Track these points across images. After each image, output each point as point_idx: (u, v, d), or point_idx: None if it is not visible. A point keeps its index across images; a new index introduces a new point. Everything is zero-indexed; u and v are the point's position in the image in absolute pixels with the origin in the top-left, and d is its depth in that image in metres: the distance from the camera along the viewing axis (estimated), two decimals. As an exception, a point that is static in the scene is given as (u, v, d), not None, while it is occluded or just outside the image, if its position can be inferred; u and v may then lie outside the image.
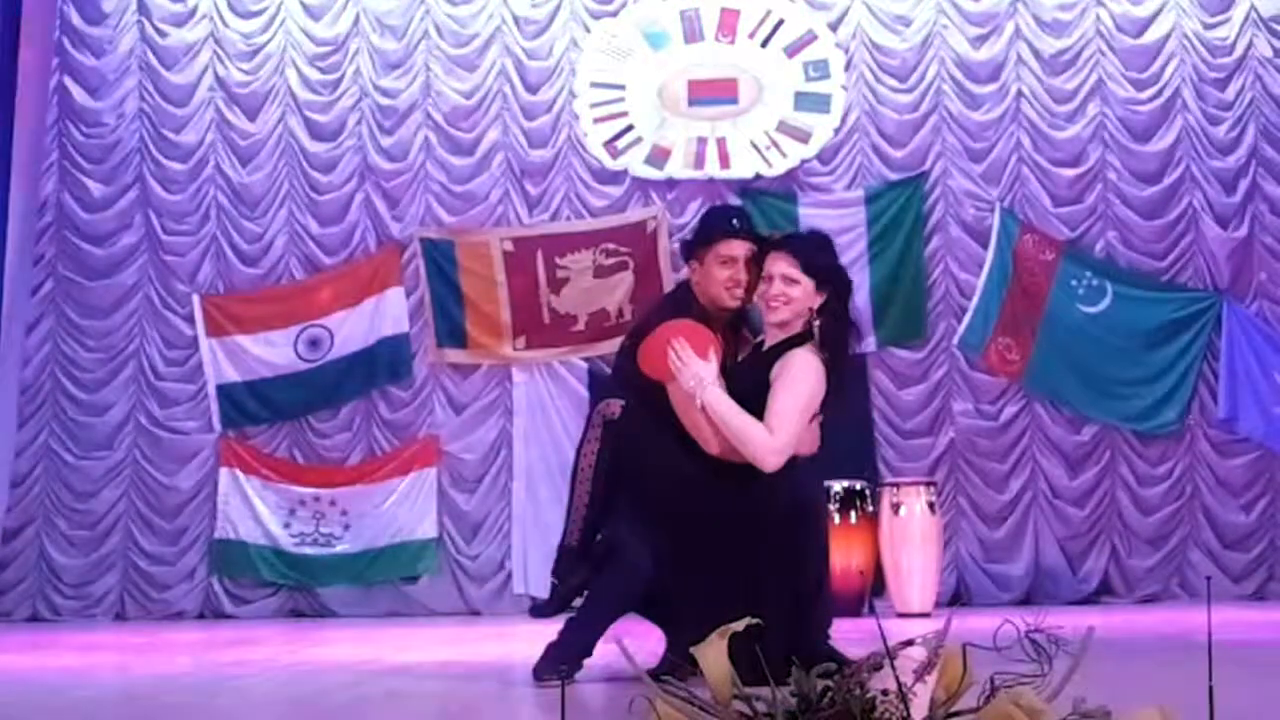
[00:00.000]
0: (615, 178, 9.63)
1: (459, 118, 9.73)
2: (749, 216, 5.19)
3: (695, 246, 4.81)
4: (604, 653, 4.55)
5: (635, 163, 9.58)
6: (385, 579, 9.45)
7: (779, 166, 9.52)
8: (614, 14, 9.73)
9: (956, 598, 9.07)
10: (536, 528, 9.27)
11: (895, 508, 8.58)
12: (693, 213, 9.23)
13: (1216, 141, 9.50)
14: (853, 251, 9.16)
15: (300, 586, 9.47)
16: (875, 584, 8.51)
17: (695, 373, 4.40)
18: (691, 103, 9.59)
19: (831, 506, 8.31)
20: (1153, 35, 9.58)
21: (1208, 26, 9.57)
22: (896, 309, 9.43)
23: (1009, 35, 9.63)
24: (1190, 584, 9.26)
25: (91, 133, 9.74)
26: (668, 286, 8.94)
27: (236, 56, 9.80)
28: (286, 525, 9.47)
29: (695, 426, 4.45)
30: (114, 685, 5.14)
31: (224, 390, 9.53)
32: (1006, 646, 2.14)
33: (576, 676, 4.54)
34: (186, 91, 9.77)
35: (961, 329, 9.37)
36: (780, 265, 4.54)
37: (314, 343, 9.56)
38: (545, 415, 9.46)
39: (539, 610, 4.92)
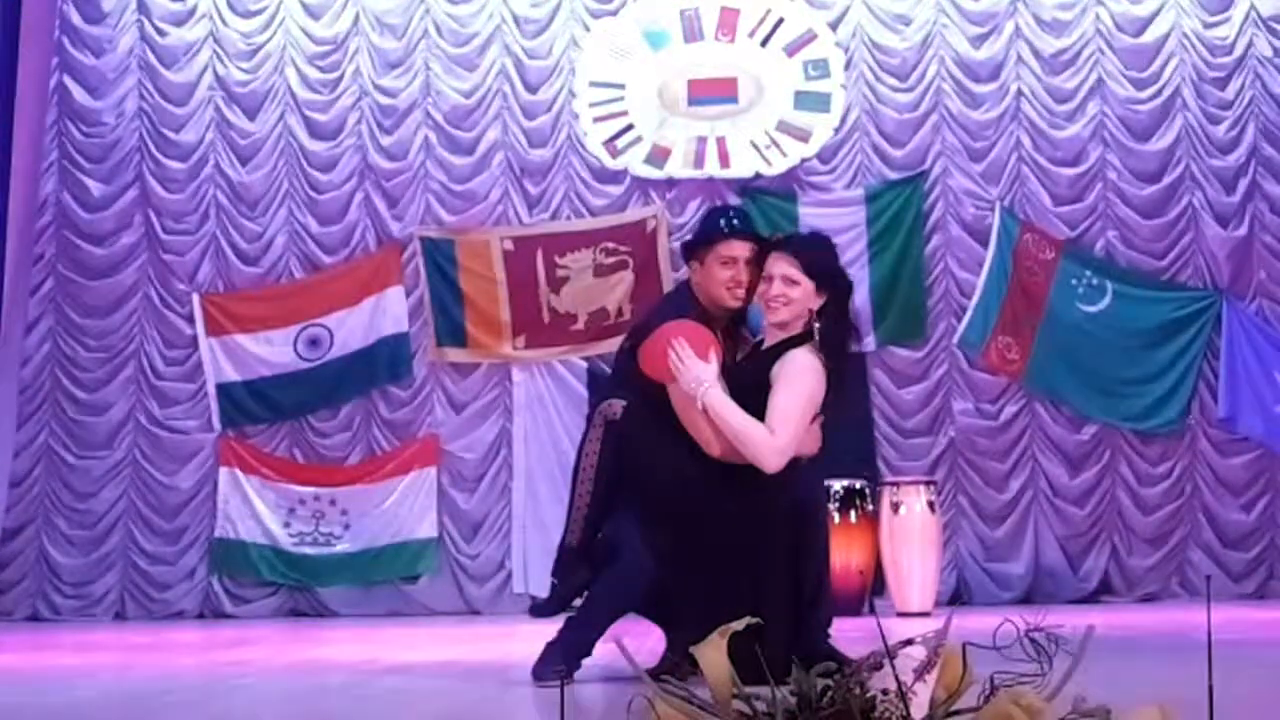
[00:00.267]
0: (615, 177, 9.63)
1: (459, 117, 9.73)
2: (749, 217, 5.18)
3: (696, 247, 4.81)
4: (604, 652, 4.55)
5: (635, 162, 9.58)
6: (385, 578, 9.45)
7: (779, 166, 9.52)
8: (614, 13, 9.73)
9: (956, 597, 9.07)
10: (536, 527, 9.27)
11: (895, 507, 8.58)
12: (692, 212, 9.24)
13: (1216, 141, 9.50)
14: (853, 251, 9.16)
15: (300, 586, 9.47)
16: (875, 583, 8.50)
17: (696, 374, 4.39)
18: (691, 102, 9.59)
19: (831, 506, 8.30)
20: (1152, 34, 9.59)
21: (1207, 26, 9.57)
22: (896, 308, 9.43)
23: (1009, 34, 9.63)
24: (1190, 583, 9.26)
25: (91, 132, 9.74)
26: (668, 286, 8.95)
27: (236, 56, 9.80)
28: (286, 525, 9.47)
29: (696, 427, 4.45)
30: (114, 685, 5.14)
31: (224, 389, 9.53)
32: (1006, 646, 2.14)
33: (576, 676, 4.53)
34: (186, 91, 9.77)
35: (961, 328, 9.37)
36: (781, 266, 4.54)
37: (314, 342, 9.56)
38: (545, 414, 9.46)
39: (539, 609, 4.92)
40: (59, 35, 9.54)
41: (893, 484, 8.76)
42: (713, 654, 2.18)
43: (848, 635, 4.61)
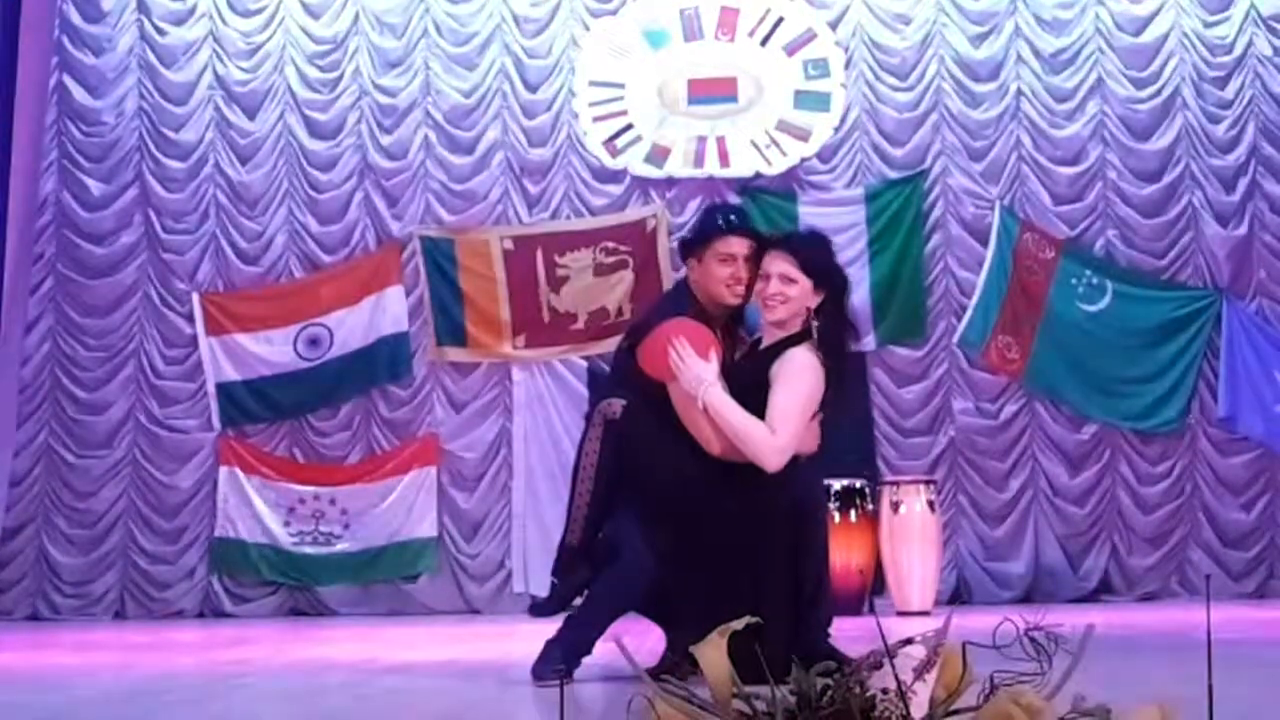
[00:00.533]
0: (615, 176, 9.63)
1: (459, 116, 9.73)
2: (747, 214, 5.17)
3: (694, 245, 4.81)
4: (603, 652, 4.55)
5: (635, 161, 9.59)
6: (385, 578, 9.45)
7: (779, 165, 9.52)
8: (614, 12, 9.73)
9: (956, 596, 9.07)
10: (536, 526, 9.27)
11: (895, 506, 8.58)
12: (692, 211, 9.24)
13: (1216, 140, 9.50)
14: (853, 250, 9.17)
15: (300, 585, 9.47)
16: (875, 582, 8.50)
17: (696, 373, 4.39)
18: (691, 101, 9.59)
19: (831, 505, 8.30)
20: (1152, 34, 9.59)
21: (1207, 25, 9.57)
22: (896, 307, 9.43)
23: (1009, 33, 9.63)
24: (1190, 582, 9.26)
25: (91, 131, 9.74)
26: (668, 285, 8.95)
27: (236, 55, 9.80)
28: (286, 524, 9.47)
29: (696, 426, 4.45)
30: (113, 684, 5.14)
31: (223, 389, 9.53)
32: (1006, 645, 2.14)
33: (575, 676, 4.53)
34: (186, 90, 9.77)
35: (961, 327, 9.37)
36: (778, 264, 4.53)
37: (313, 341, 9.56)
38: (545, 414, 9.46)
39: (539, 609, 4.92)
40: (59, 34, 9.54)
41: (892, 483, 8.76)
42: (713, 654, 2.18)
43: (847, 635, 4.61)
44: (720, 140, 9.54)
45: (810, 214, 9.26)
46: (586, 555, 4.69)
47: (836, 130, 9.59)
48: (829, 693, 2.11)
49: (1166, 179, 9.50)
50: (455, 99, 9.74)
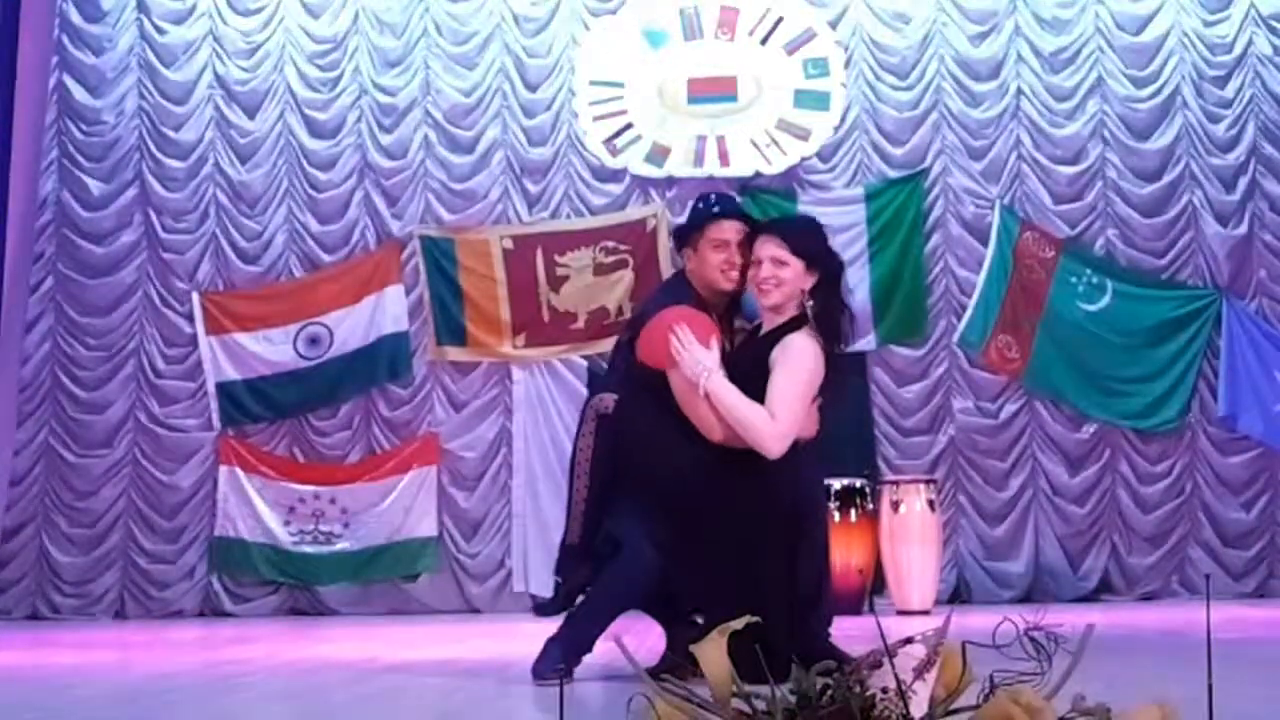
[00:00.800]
0: (615, 176, 9.63)
1: (458, 115, 9.73)
2: (736, 200, 5.18)
3: (687, 232, 4.81)
4: (604, 651, 4.55)
5: (635, 161, 9.58)
6: (385, 577, 9.45)
7: (779, 164, 9.52)
8: (613, 12, 9.73)
9: (956, 595, 9.08)
10: (536, 526, 9.27)
11: (895, 505, 8.58)
12: (692, 211, 9.22)
13: (1216, 139, 9.50)
14: (853, 249, 9.16)
15: (300, 584, 9.47)
16: (875, 582, 8.50)
17: (698, 359, 4.39)
18: (691, 100, 9.59)
19: (831, 504, 8.30)
20: (1152, 33, 9.59)
21: (1207, 24, 9.57)
22: (896, 306, 9.43)
23: (1009, 33, 9.63)
24: (1190, 581, 9.26)
25: (91, 131, 9.74)
26: (668, 285, 8.93)
27: (236, 54, 9.80)
28: (286, 523, 9.46)
29: (697, 413, 4.44)
30: (114, 684, 5.14)
31: (223, 388, 9.53)
32: (1006, 644, 2.14)
33: (576, 675, 4.53)
34: (186, 89, 9.77)
35: (961, 326, 9.37)
36: (769, 248, 4.53)
37: (313, 340, 9.56)
38: (545, 413, 9.45)
39: (544, 608, 4.92)
40: (58, 34, 9.54)
41: (893, 483, 8.76)
42: (713, 653, 2.18)
43: (847, 634, 4.61)
44: (720, 139, 9.54)
45: (810, 213, 9.24)
46: (588, 552, 4.69)
47: (836, 129, 9.59)
48: (829, 692, 2.11)
49: (1166, 178, 9.50)
50: (455, 98, 9.74)
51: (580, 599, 4.74)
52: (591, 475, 4.68)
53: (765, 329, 4.61)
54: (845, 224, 9.26)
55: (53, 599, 9.46)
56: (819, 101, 9.59)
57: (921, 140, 9.58)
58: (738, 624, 2.27)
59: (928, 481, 8.81)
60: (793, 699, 2.12)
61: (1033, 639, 2.16)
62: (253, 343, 9.56)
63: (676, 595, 4.59)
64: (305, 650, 6.57)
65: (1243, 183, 9.47)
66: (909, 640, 2.16)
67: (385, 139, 9.72)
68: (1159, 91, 9.55)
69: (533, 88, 9.74)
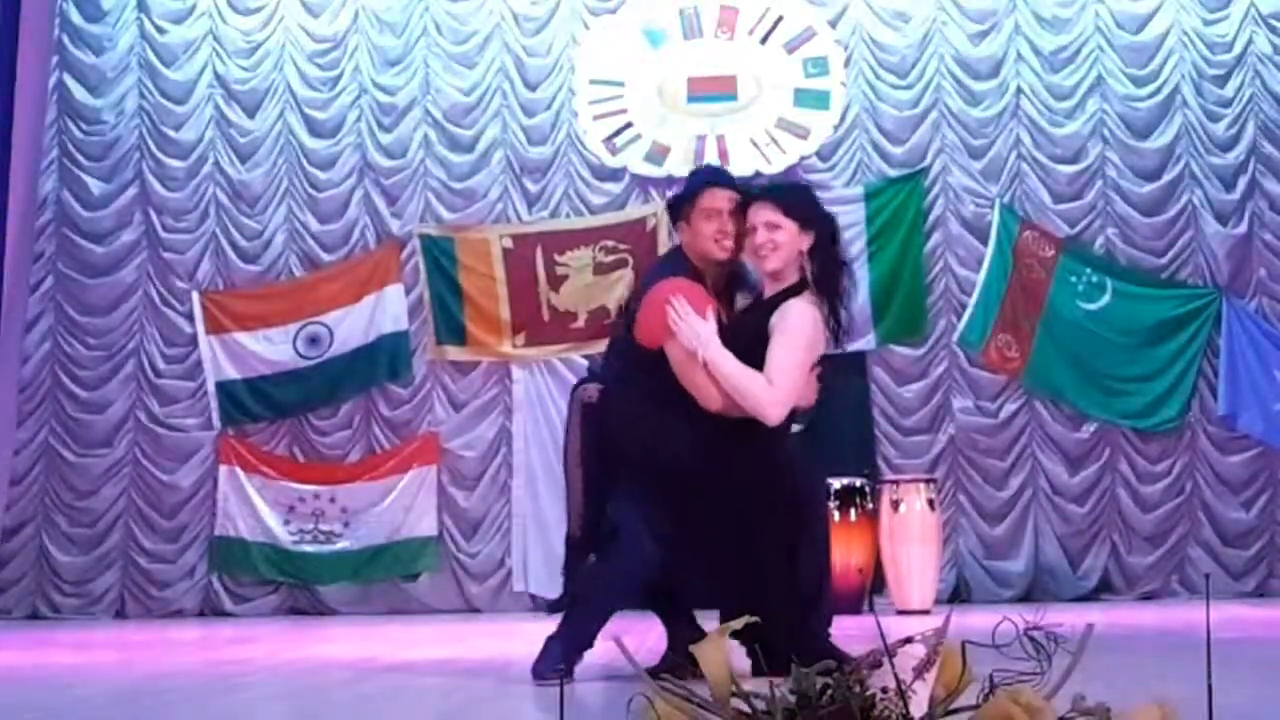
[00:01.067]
0: (615, 175, 9.63)
1: (458, 114, 9.73)
2: (727, 171, 5.18)
3: (680, 205, 4.79)
4: (604, 651, 4.55)
5: (635, 160, 9.58)
6: (385, 576, 9.45)
7: (778, 163, 9.52)
8: (613, 11, 9.73)
9: (956, 595, 9.07)
10: (536, 525, 9.27)
11: (895, 505, 8.58)
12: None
13: (1216, 138, 9.50)
14: (853, 248, 9.12)
15: (300, 584, 9.47)
16: (875, 581, 8.50)
17: (694, 329, 4.38)
18: (691, 99, 9.59)
19: (831, 504, 8.29)
20: (1152, 31, 9.58)
21: (1207, 23, 9.57)
22: (897, 306, 9.43)
23: (1008, 32, 9.63)
24: (1190, 581, 9.26)
25: (91, 130, 9.75)
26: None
27: (236, 53, 9.80)
28: (286, 523, 9.47)
29: (694, 383, 4.43)
30: (114, 683, 5.14)
31: (223, 387, 9.53)
32: (1006, 644, 2.14)
33: (576, 675, 4.53)
34: (186, 89, 9.78)
35: (961, 326, 9.37)
36: (762, 213, 4.53)
37: (313, 340, 9.56)
38: (545, 412, 9.45)
39: (555, 606, 4.91)
40: (59, 33, 9.54)
41: (892, 482, 8.75)
42: (712, 653, 2.18)
43: (847, 633, 4.60)
44: (720, 139, 9.54)
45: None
46: (593, 545, 4.69)
47: (836, 128, 9.59)
48: (829, 692, 2.11)
49: (1166, 177, 9.49)
50: (455, 97, 9.74)
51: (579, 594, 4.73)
52: (583, 466, 4.68)
53: (767, 296, 4.59)
54: (845, 223, 9.12)
55: (53, 598, 9.47)
56: (819, 100, 9.59)
57: (921, 139, 9.58)
58: (737, 624, 2.27)
59: (928, 481, 8.81)
60: (793, 699, 2.12)
61: (1032, 639, 2.16)
62: (253, 342, 9.56)
63: (677, 584, 4.58)
64: (305, 650, 6.57)
65: (1242, 182, 9.47)
66: (909, 640, 2.16)
67: (385, 138, 9.72)
68: (1159, 90, 9.55)
69: (532, 87, 9.74)
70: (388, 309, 9.58)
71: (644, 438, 4.55)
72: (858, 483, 8.60)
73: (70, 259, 9.66)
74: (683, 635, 4.47)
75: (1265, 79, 9.51)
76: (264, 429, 9.60)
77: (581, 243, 9.51)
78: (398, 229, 9.64)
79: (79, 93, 9.75)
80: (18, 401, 9.14)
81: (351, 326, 9.56)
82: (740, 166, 9.48)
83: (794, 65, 9.60)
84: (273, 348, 9.56)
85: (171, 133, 9.74)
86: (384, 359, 9.57)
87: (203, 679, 5.18)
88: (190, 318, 9.61)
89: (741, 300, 4.77)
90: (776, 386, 4.36)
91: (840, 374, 9.32)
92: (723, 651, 2.18)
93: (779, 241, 4.49)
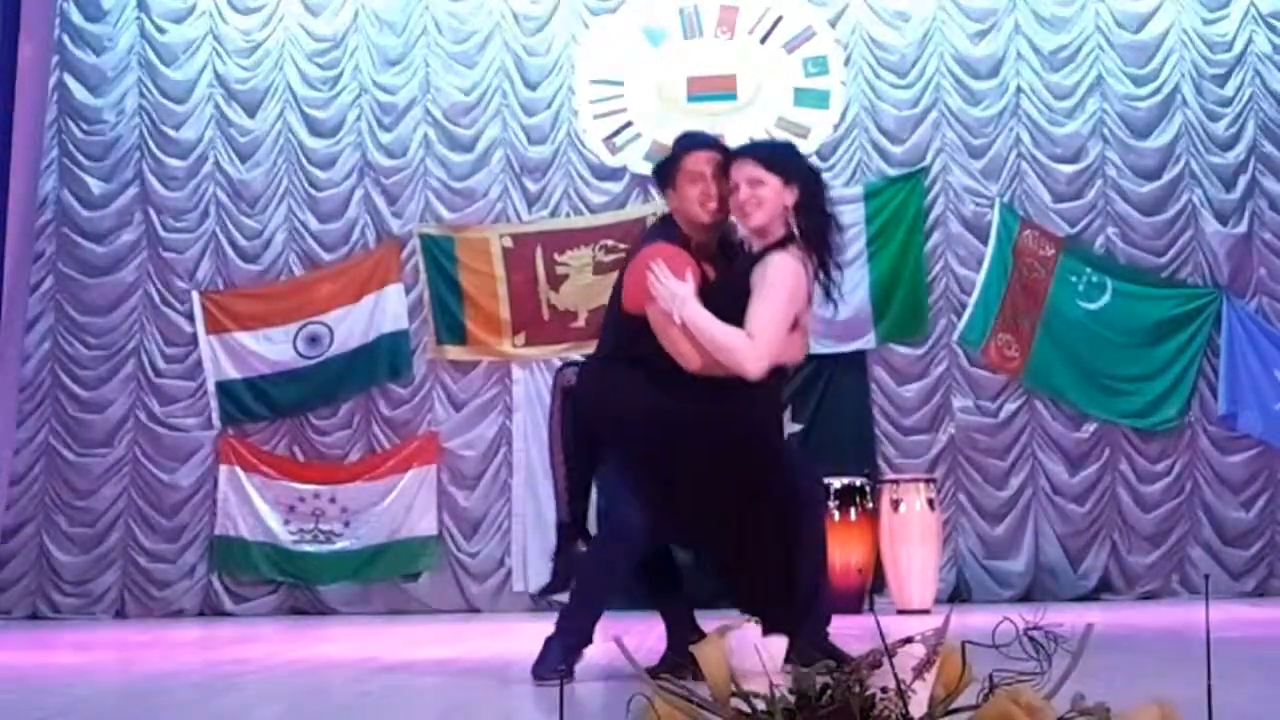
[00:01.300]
0: (614, 174, 9.63)
1: (458, 114, 9.73)
2: (707, 133, 5.19)
3: (665, 170, 4.79)
4: (604, 651, 4.55)
5: (634, 159, 9.58)
6: (385, 576, 9.45)
7: (778, 163, 9.49)
8: (613, 10, 9.73)
9: (956, 594, 9.07)
10: (536, 525, 9.26)
11: (895, 504, 8.58)
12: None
13: (1216, 137, 9.50)
14: (853, 248, 9.15)
15: (300, 584, 9.48)
16: (875, 581, 8.50)
17: (672, 290, 4.36)
18: (690, 99, 9.59)
19: (831, 503, 8.30)
20: (1152, 31, 9.58)
21: (1207, 22, 9.57)
22: (896, 305, 9.42)
23: (1008, 31, 9.63)
24: (1190, 581, 9.26)
25: (91, 130, 9.75)
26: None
27: (236, 53, 9.80)
28: (286, 522, 9.47)
29: (673, 345, 4.41)
30: (114, 683, 5.14)
31: (223, 387, 9.53)
32: (1005, 644, 2.14)
33: (576, 675, 4.53)
34: (186, 88, 9.78)
35: (961, 325, 9.37)
36: (743, 170, 4.49)
37: (313, 339, 9.56)
38: (545, 412, 9.29)
39: (545, 590, 4.92)
40: (59, 33, 9.54)
41: (892, 481, 8.75)
42: (712, 653, 2.18)
43: (847, 633, 4.60)
44: (719, 138, 9.51)
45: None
46: (581, 530, 4.70)
47: (836, 128, 9.59)
48: (829, 692, 2.11)
49: (1166, 177, 9.49)
50: (455, 97, 9.74)
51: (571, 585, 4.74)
52: (566, 449, 4.69)
53: (755, 252, 4.56)
54: (845, 223, 9.15)
55: (53, 598, 9.47)
56: (818, 100, 9.59)
57: (921, 138, 9.58)
58: (737, 624, 2.27)
59: (927, 480, 8.81)
60: (793, 699, 2.12)
61: (1032, 639, 2.16)
62: (253, 342, 9.56)
63: (668, 554, 4.57)
64: (305, 650, 6.57)
65: (1242, 181, 9.47)
66: (909, 640, 2.16)
67: (385, 137, 9.73)
68: (1159, 90, 9.55)
69: (532, 86, 9.74)
70: (388, 308, 9.58)
71: (621, 405, 4.53)
72: (858, 482, 8.59)
73: (70, 259, 9.66)
74: (682, 635, 4.46)
75: (1265, 78, 9.51)
76: (264, 429, 9.60)
77: (581, 242, 9.51)
78: (398, 228, 9.65)
79: (79, 92, 9.75)
80: (18, 401, 9.14)
81: (351, 326, 9.56)
82: (740, 166, 9.48)
83: (794, 64, 9.61)
84: (273, 347, 9.56)
85: (171, 132, 9.74)
86: (384, 358, 9.57)
87: (203, 679, 5.18)
88: (190, 317, 9.61)
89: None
90: (756, 341, 4.31)
91: (843, 372, 9.36)
92: (722, 651, 2.18)
93: (762, 197, 4.45)
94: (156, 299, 9.64)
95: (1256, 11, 9.55)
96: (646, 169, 9.53)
